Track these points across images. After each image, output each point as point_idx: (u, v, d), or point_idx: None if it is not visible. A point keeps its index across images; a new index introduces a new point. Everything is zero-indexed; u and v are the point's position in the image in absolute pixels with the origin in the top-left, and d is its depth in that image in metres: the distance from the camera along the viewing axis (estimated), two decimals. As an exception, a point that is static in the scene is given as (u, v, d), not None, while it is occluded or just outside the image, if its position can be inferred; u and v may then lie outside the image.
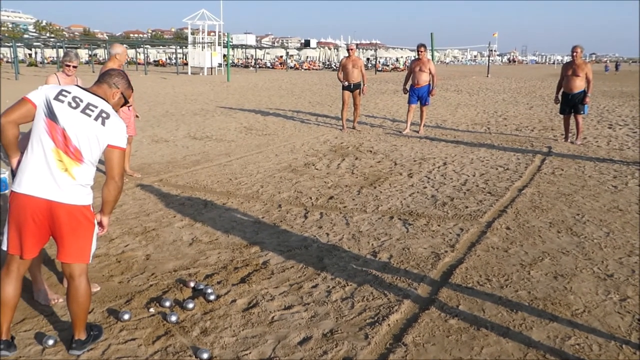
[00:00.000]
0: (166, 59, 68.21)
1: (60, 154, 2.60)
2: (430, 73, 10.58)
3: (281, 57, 69.33)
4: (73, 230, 2.68)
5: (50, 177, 2.60)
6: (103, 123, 2.65)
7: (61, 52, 38.97)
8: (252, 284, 3.72)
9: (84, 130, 2.62)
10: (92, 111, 2.65)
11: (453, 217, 5.29)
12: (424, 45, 10.63)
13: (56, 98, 2.63)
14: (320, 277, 3.85)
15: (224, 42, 38.75)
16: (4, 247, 2.74)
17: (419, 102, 10.77)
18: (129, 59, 55.17)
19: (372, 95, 19.89)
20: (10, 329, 2.85)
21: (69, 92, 2.67)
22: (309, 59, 70.93)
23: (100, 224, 2.86)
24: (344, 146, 9.30)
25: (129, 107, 6.17)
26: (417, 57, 10.82)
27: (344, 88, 11.07)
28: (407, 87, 10.91)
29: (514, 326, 3.18)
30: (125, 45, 8.64)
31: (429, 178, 6.94)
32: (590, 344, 3.00)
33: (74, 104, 2.63)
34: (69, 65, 5.50)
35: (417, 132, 10.84)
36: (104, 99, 2.75)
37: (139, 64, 49.70)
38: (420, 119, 10.96)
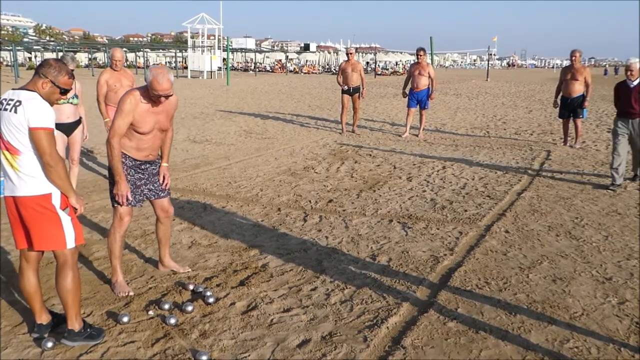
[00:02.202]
0: (166, 62, 68.30)
1: (4, 152, 2.80)
2: (429, 77, 10.60)
3: (280, 60, 69.47)
4: (33, 220, 2.82)
5: (6, 176, 2.83)
6: (15, 111, 2.74)
7: (61, 55, 38.96)
8: (251, 287, 3.73)
9: (5, 123, 2.76)
10: (9, 104, 2.77)
11: (452, 220, 5.30)
12: (423, 49, 10.66)
13: None
14: (319, 280, 3.86)
15: (223, 46, 38.84)
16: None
17: (418, 106, 10.79)
18: (127, 63, 55.24)
19: (372, 99, 19.93)
20: (45, 308, 3.08)
21: (6, 98, 2.82)
22: (308, 63, 71.09)
23: (72, 207, 2.92)
24: (344, 150, 9.31)
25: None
26: (416, 60, 10.85)
27: (343, 92, 11.10)
28: (407, 90, 10.93)
29: (512, 329, 3.19)
30: (124, 49, 8.72)
31: (428, 182, 6.95)
32: (588, 347, 3.00)
33: (2, 106, 2.79)
34: None
35: (417, 135, 10.86)
36: (32, 91, 2.82)
37: (138, 67, 49.68)
38: (420, 123, 10.99)
